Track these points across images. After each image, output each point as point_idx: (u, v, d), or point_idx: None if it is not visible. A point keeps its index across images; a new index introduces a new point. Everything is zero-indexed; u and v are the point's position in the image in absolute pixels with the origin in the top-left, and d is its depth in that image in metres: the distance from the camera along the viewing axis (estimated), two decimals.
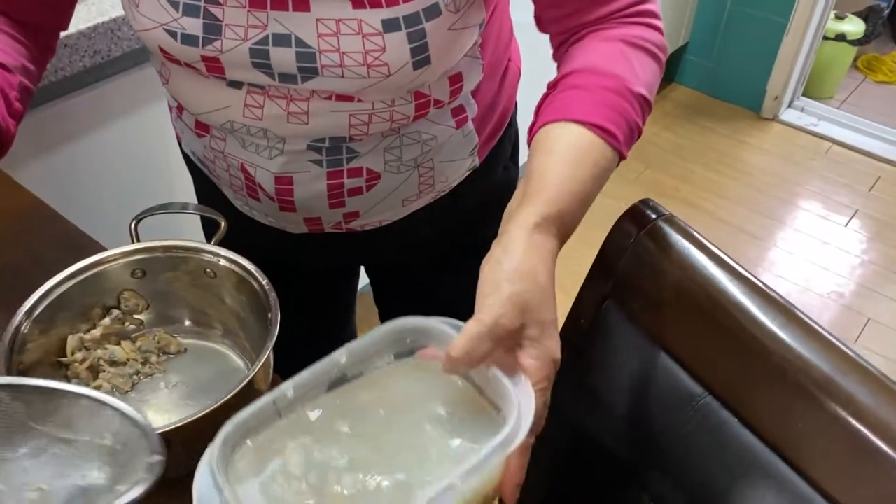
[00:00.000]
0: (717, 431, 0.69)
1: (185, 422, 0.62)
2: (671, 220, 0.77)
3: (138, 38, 0.76)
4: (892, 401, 0.61)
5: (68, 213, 0.97)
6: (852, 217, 2.55)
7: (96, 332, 0.77)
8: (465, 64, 0.79)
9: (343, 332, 1.22)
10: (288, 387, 0.55)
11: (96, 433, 0.58)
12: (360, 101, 0.74)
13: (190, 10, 0.69)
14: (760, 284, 0.70)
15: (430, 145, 0.83)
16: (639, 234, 0.77)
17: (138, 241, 0.79)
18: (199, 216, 0.90)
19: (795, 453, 0.64)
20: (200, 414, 0.63)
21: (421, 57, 0.70)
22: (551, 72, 0.73)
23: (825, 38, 2.89)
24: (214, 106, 0.77)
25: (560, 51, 0.76)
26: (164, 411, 0.75)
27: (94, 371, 0.76)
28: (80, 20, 1.07)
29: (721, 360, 0.70)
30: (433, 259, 1.00)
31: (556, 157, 0.65)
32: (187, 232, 1.01)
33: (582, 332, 0.81)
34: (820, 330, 0.67)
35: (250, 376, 0.66)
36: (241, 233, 0.84)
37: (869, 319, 2.20)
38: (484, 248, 0.60)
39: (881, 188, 2.67)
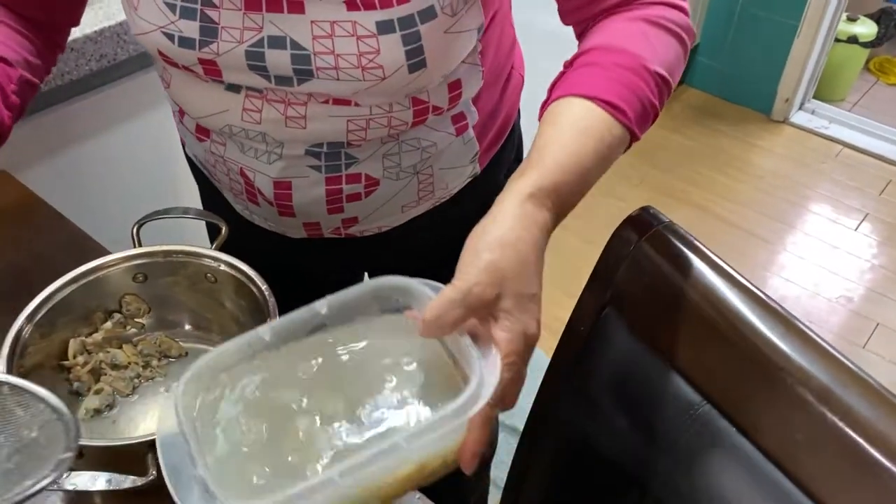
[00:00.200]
0: (716, 440, 0.69)
1: None
2: (672, 228, 0.76)
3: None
4: (891, 413, 0.61)
5: (72, 215, 0.98)
6: (862, 221, 2.53)
7: (98, 336, 0.78)
8: (465, 71, 0.78)
9: None
10: (265, 330, 0.55)
11: (26, 425, 0.59)
12: (357, 105, 0.74)
13: (187, 13, 0.69)
14: (760, 294, 0.70)
15: (430, 152, 0.82)
16: (639, 241, 0.76)
17: (140, 245, 0.80)
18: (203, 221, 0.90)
19: (793, 464, 0.63)
20: None
21: (416, 60, 0.70)
22: None
23: (837, 40, 2.87)
24: (213, 110, 0.77)
25: (583, 36, 0.75)
26: None
27: (96, 374, 0.77)
28: (87, 24, 1.07)
29: (720, 368, 0.70)
30: (433, 266, 1.00)
31: (559, 130, 0.64)
32: (191, 236, 1.02)
33: (581, 339, 0.80)
34: (820, 341, 0.66)
35: None
36: (242, 237, 0.84)
37: (878, 324, 2.19)
38: None
39: (892, 192, 2.65)
